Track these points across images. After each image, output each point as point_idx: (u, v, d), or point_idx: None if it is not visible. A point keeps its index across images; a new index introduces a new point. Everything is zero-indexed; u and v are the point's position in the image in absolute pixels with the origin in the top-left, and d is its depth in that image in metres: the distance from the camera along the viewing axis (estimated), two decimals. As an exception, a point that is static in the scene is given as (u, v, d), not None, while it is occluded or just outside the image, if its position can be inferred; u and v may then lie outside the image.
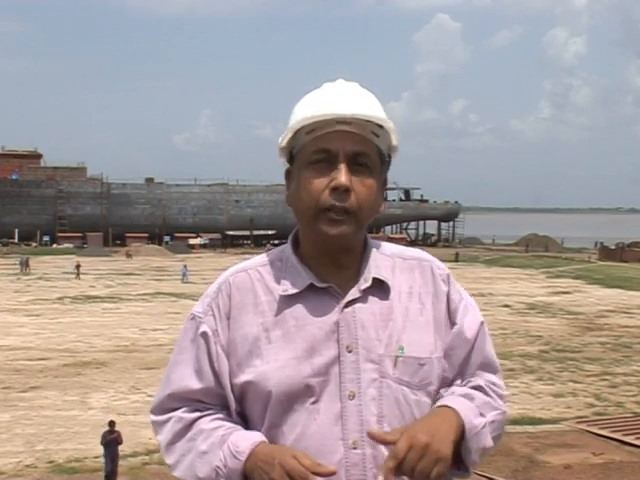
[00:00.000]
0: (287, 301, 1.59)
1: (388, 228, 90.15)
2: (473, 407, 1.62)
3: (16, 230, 69.66)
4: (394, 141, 1.62)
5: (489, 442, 1.63)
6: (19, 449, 9.04)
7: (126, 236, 70.83)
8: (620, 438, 9.63)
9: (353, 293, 1.60)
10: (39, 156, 79.22)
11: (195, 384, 1.62)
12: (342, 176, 1.53)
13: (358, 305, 1.60)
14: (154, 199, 76.50)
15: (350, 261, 1.63)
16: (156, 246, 66.30)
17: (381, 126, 1.59)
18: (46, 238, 71.24)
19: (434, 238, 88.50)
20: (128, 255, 56.92)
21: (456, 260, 54.96)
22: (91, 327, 20.91)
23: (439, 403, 1.61)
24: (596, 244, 71.36)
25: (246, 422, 1.61)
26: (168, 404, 1.65)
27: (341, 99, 1.57)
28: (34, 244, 69.07)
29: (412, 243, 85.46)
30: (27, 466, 8.44)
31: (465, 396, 1.65)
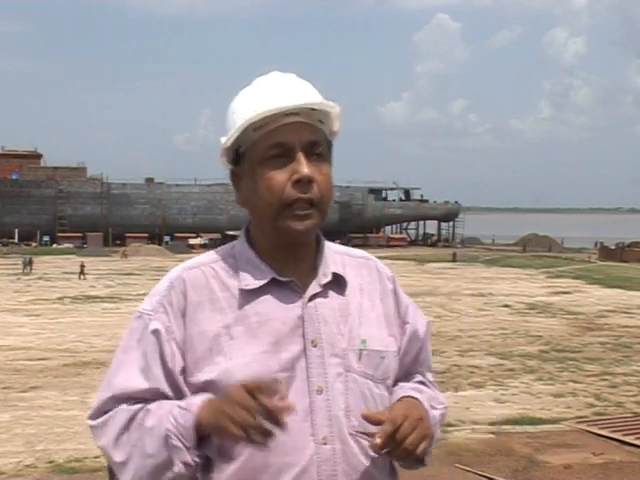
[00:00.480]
0: (247, 296, 1.56)
1: (388, 228, 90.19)
2: (426, 399, 1.68)
3: (16, 230, 69.68)
4: (335, 127, 1.61)
5: (439, 435, 1.71)
6: (19, 449, 9.04)
7: (126, 236, 70.83)
8: (620, 438, 9.61)
9: (314, 287, 1.60)
10: (39, 156, 79.25)
11: (143, 384, 1.54)
12: (304, 168, 1.52)
13: (319, 300, 1.60)
14: (154, 199, 76.56)
15: (307, 254, 1.62)
16: (156, 246, 66.27)
17: (324, 113, 1.58)
18: (46, 238, 71.28)
19: (434, 238, 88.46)
20: (124, 255, 56.43)
21: (453, 260, 54.48)
22: (91, 327, 20.89)
23: (401, 394, 1.64)
24: (596, 244, 71.36)
25: None
26: (109, 406, 1.56)
27: (286, 91, 1.56)
28: (34, 244, 69.07)
29: (412, 243, 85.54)
30: (27, 466, 8.43)
31: (415, 390, 1.70)
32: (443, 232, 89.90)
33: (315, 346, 1.56)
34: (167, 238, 72.08)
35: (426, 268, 48.16)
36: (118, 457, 1.52)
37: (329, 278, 1.62)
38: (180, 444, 1.44)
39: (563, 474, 8.27)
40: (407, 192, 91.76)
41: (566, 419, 10.85)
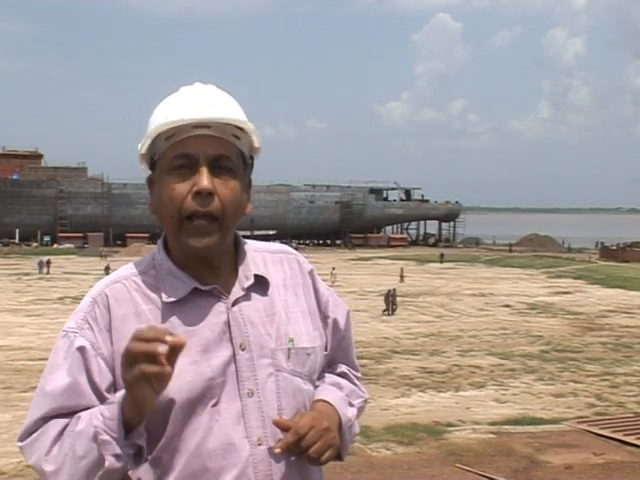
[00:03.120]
0: (172, 308, 1.56)
1: (389, 228, 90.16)
2: (344, 397, 1.71)
3: (17, 230, 69.70)
4: (256, 142, 1.62)
5: (357, 429, 1.74)
6: (20, 449, 9.06)
7: (127, 236, 70.89)
8: (621, 438, 9.61)
9: (237, 292, 1.60)
10: (40, 156, 79.29)
11: (71, 402, 1.52)
12: (204, 180, 1.51)
13: (243, 303, 1.60)
14: (155, 199, 76.58)
15: (224, 261, 1.62)
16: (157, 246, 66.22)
17: (241, 128, 1.58)
18: (47, 238, 71.30)
19: (432, 239, 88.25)
20: (102, 256, 55.05)
21: (441, 261, 53.51)
22: (92, 327, 20.92)
23: (317, 397, 1.66)
24: (597, 244, 71.33)
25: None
26: (39, 426, 1.55)
27: (199, 103, 1.56)
28: (34, 244, 69.11)
29: (413, 243, 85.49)
30: (28, 466, 8.43)
31: (335, 385, 1.72)
32: (444, 232, 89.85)
33: (244, 349, 1.57)
34: (168, 238, 72.10)
35: (426, 268, 48.13)
36: (49, 467, 1.50)
37: (251, 281, 1.62)
38: (108, 437, 1.43)
39: (564, 474, 8.27)
40: (408, 192, 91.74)
41: (567, 419, 10.85)
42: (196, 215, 1.52)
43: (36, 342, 18.03)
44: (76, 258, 56.69)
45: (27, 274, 39.95)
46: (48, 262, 41.30)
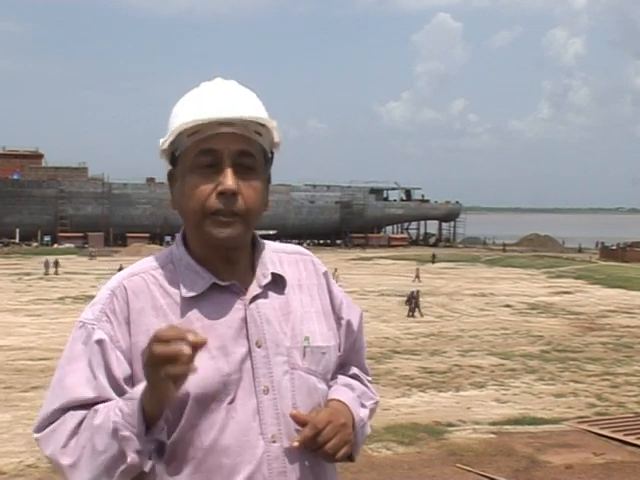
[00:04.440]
0: (189, 303, 1.57)
1: (389, 228, 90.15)
2: (356, 398, 1.72)
3: (17, 230, 69.70)
4: (276, 138, 1.63)
5: (369, 430, 1.76)
6: (21, 449, 9.03)
7: (127, 236, 70.94)
8: (621, 438, 9.61)
9: (254, 289, 1.62)
10: (40, 156, 79.28)
11: (89, 394, 1.52)
12: (229, 180, 1.53)
13: (260, 301, 1.62)
14: (155, 199, 76.48)
15: (242, 258, 1.64)
16: (157, 246, 66.27)
17: (263, 125, 1.59)
18: (47, 238, 71.31)
19: (433, 239, 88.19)
20: (91, 256, 54.97)
21: (432, 261, 52.58)
22: (92, 327, 20.86)
23: (330, 396, 1.67)
24: (597, 244, 71.32)
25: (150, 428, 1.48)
26: (56, 417, 1.53)
27: (223, 100, 1.57)
28: (35, 244, 69.10)
29: (413, 243, 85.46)
30: (28, 466, 8.43)
31: (347, 386, 1.74)
32: (444, 232, 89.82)
33: (259, 346, 1.58)
34: (168, 238, 72.11)
35: (427, 268, 48.12)
36: (66, 460, 1.50)
37: (268, 279, 1.64)
38: (129, 433, 1.43)
39: (564, 474, 8.26)
40: (408, 192, 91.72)
41: (567, 419, 10.85)
42: (219, 212, 1.54)
43: (36, 342, 18.02)
44: (76, 258, 56.66)
45: (28, 274, 39.91)
46: (56, 262, 41.00)
